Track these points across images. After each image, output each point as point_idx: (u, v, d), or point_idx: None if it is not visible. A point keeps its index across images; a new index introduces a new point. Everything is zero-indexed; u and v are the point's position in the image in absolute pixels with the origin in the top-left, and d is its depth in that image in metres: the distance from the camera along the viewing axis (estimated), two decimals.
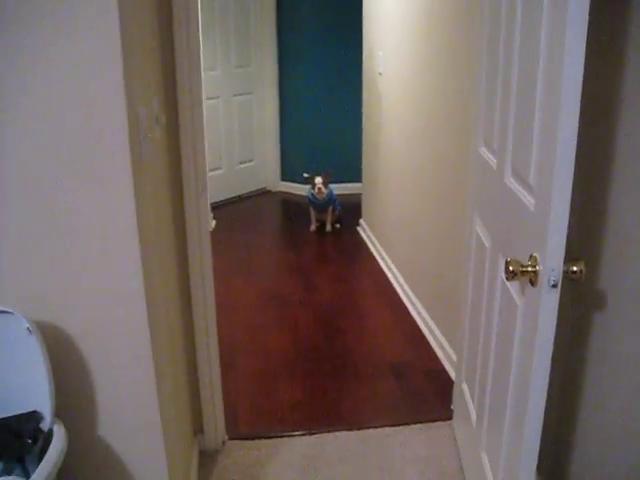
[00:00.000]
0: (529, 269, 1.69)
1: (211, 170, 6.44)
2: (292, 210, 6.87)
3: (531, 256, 1.71)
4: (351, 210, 6.45)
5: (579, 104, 1.54)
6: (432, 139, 3.92)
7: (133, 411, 1.88)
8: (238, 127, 7.11)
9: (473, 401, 2.61)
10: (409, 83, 4.38)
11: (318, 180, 5.87)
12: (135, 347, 1.82)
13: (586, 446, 2.23)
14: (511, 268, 1.72)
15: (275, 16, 7.13)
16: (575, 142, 1.56)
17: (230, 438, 3.04)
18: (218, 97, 6.77)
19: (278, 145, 7.47)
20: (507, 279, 1.75)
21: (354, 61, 6.34)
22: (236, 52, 6.95)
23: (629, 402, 1.95)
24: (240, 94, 7.09)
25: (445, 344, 3.68)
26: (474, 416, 2.57)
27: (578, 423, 2.26)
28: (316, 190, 5.87)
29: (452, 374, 3.48)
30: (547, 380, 1.78)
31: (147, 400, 1.89)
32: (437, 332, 3.85)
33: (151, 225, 1.91)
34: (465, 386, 2.80)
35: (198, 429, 2.92)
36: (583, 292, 2.13)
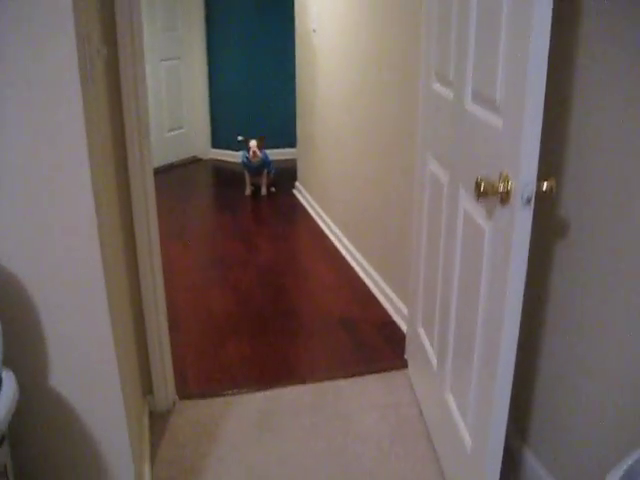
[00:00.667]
0: (501, 186, 1.63)
1: None
2: (225, 177, 6.72)
3: (502, 174, 1.66)
4: (286, 175, 6.36)
5: (550, 22, 1.50)
6: (371, 93, 3.85)
7: (89, 362, 1.76)
8: (166, 93, 6.90)
9: (432, 345, 2.57)
10: (345, 38, 4.29)
11: (252, 143, 5.75)
12: (90, 299, 1.71)
13: (549, 390, 2.22)
14: (482, 187, 1.67)
15: None
16: (547, 56, 1.53)
17: (181, 398, 2.91)
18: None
19: (208, 112, 7.29)
20: (477, 198, 1.69)
21: (285, 20, 6.24)
22: (162, 15, 6.74)
23: (593, 341, 1.94)
24: (167, 59, 6.86)
25: (394, 298, 3.63)
26: (434, 360, 2.53)
27: (541, 365, 2.25)
28: (250, 154, 5.75)
29: (403, 327, 3.44)
30: (520, 306, 1.74)
31: (104, 351, 1.78)
32: (385, 287, 3.79)
33: (101, 177, 1.78)
34: (422, 330, 2.76)
35: (147, 390, 2.78)
36: (545, 220, 2.09)
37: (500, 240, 1.75)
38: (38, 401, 1.75)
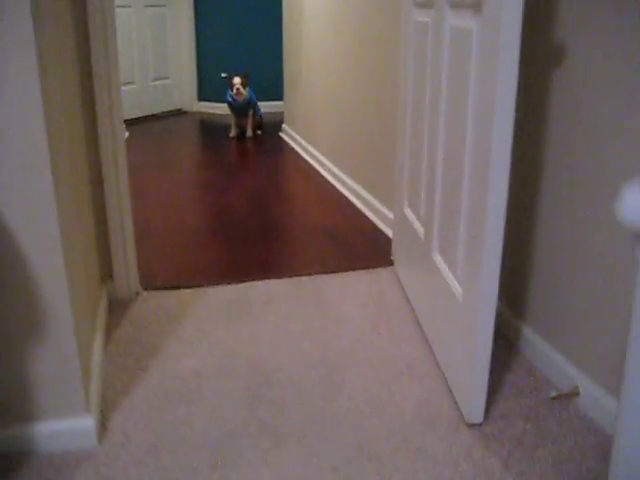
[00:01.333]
0: None
1: (124, 85, 5.96)
2: (211, 128, 6.45)
3: None
4: (274, 126, 6.12)
5: None
6: (356, 20, 3.60)
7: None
8: (151, 41, 6.67)
9: (419, 218, 2.38)
10: (334, 5, 4.05)
11: (236, 80, 5.52)
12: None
13: (546, 261, 2.04)
14: None
15: None
16: None
17: (146, 289, 2.63)
18: (130, 6, 6.30)
19: (194, 62, 7.05)
20: None
21: None
22: None
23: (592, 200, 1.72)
24: (153, 5, 6.62)
25: (380, 208, 3.46)
26: (421, 230, 2.32)
27: (537, 234, 2.07)
28: (234, 91, 5.49)
29: (389, 233, 3.23)
30: (511, 129, 1.56)
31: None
32: (371, 199, 3.63)
33: None
34: (408, 210, 2.53)
35: (107, 275, 2.52)
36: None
37: (487, 43, 1.57)
38: None
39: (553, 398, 1.92)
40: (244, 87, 5.52)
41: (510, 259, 2.20)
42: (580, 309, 1.87)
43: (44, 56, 1.52)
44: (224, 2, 6.71)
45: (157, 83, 6.83)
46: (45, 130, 1.48)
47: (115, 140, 2.43)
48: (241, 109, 5.58)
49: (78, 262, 1.86)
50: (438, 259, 2.08)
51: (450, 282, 1.92)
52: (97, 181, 2.45)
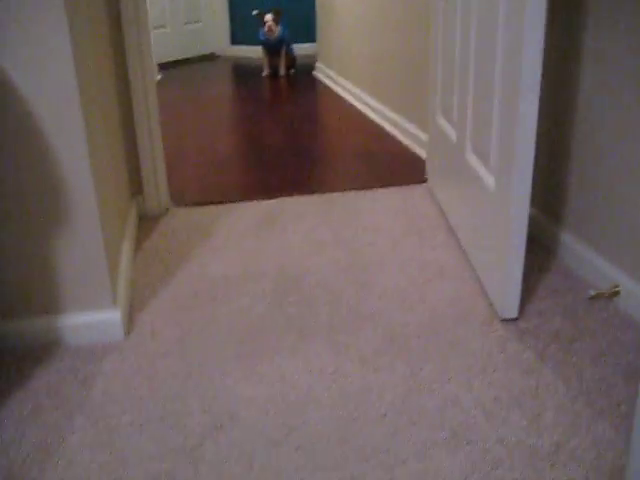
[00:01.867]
0: None
1: (155, 28, 5.91)
2: (244, 71, 6.33)
3: None
4: (307, 68, 5.99)
5: None
6: None
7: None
8: None
9: (451, 123, 2.30)
10: None
11: (268, 17, 5.41)
12: None
13: (583, 165, 1.94)
14: None
15: None
16: None
17: (176, 206, 2.60)
18: None
19: (226, 5, 6.92)
20: None
21: None
22: None
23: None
24: None
25: (413, 130, 3.38)
26: (454, 134, 2.25)
27: (573, 138, 1.97)
28: (266, 28, 5.39)
29: (422, 154, 3.15)
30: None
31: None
32: (403, 123, 3.55)
33: None
34: (441, 118, 2.45)
35: (137, 191, 2.49)
36: None
37: None
38: None
39: (592, 297, 1.85)
40: (276, 24, 5.40)
41: (544, 164, 2.12)
42: (619, 209, 1.79)
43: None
44: None
45: (189, 27, 6.75)
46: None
47: (142, 57, 2.38)
48: (273, 47, 5.49)
49: (104, 160, 1.84)
50: (471, 157, 2.01)
51: (483, 176, 1.86)
52: (126, 102, 2.42)
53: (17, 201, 1.56)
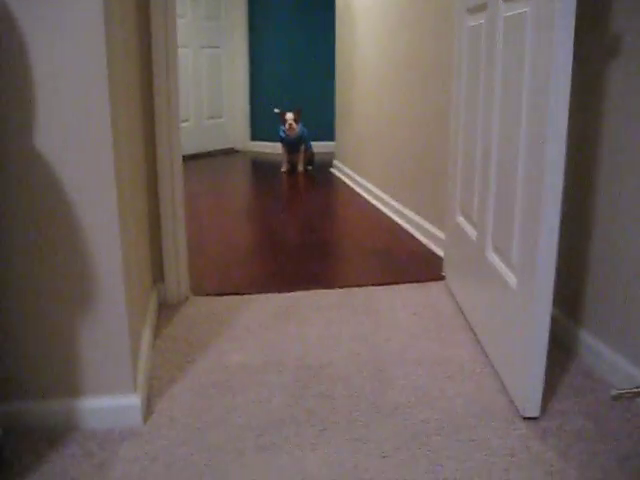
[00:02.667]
0: None
1: None
2: (263, 166, 6.46)
3: None
4: (325, 165, 6.15)
5: None
6: (406, 50, 3.69)
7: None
8: (207, 80, 6.83)
9: (472, 222, 2.34)
10: (386, 13, 4.12)
11: (289, 116, 5.57)
12: None
13: (603, 262, 1.97)
14: None
15: None
16: None
17: (195, 295, 2.63)
18: (187, 47, 6.46)
19: (248, 103, 7.18)
20: None
21: (328, 18, 6.18)
22: (206, 2, 6.72)
23: None
24: (209, 47, 6.81)
25: (430, 228, 3.44)
26: (474, 234, 2.28)
27: (593, 237, 2.01)
28: (287, 126, 5.56)
29: (439, 252, 3.19)
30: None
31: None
32: (420, 221, 3.61)
33: None
34: (460, 218, 2.49)
35: (158, 278, 2.53)
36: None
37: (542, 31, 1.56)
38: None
39: (614, 397, 1.83)
40: (296, 122, 5.55)
41: (565, 264, 2.14)
42: (638, 307, 1.80)
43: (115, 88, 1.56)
44: (277, 44, 6.84)
45: (211, 121, 6.95)
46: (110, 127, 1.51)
47: (171, 149, 2.47)
48: (293, 144, 5.64)
49: (132, 249, 1.87)
50: (492, 256, 2.03)
51: (504, 274, 1.88)
52: (153, 191, 2.49)
53: (45, 281, 1.59)
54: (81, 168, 1.54)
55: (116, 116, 1.61)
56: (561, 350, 2.13)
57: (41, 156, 1.52)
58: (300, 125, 5.58)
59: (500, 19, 1.94)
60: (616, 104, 1.88)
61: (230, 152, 7.11)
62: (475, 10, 2.25)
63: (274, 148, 6.80)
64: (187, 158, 5.97)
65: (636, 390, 1.74)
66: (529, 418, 1.73)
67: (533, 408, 1.72)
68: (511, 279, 1.82)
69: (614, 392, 1.76)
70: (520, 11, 1.74)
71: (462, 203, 2.46)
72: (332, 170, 5.83)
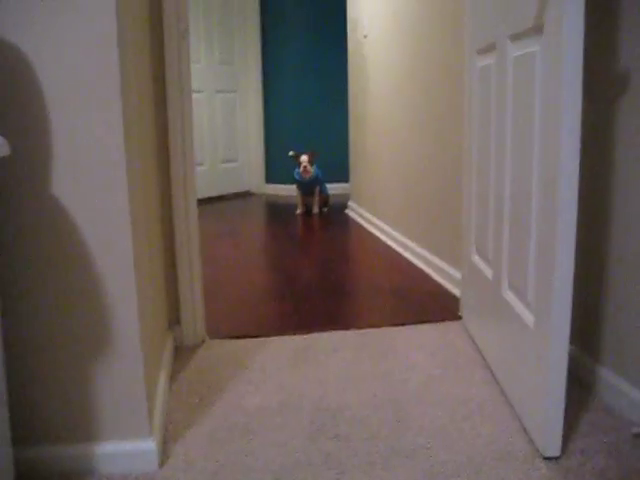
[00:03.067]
0: None
1: None
2: (278, 208, 6.49)
3: None
4: (339, 207, 6.17)
5: None
6: (420, 92, 3.75)
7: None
8: (221, 125, 6.91)
9: (487, 260, 2.34)
10: (394, 42, 4.25)
11: (304, 158, 5.62)
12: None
13: (617, 307, 1.96)
14: None
15: (259, 13, 7.06)
16: None
17: (211, 338, 2.64)
18: (202, 91, 6.57)
19: (262, 146, 7.24)
20: None
21: (341, 61, 6.26)
22: (219, 47, 6.84)
23: None
24: (223, 91, 6.91)
25: (446, 267, 3.43)
26: (490, 273, 2.28)
27: (608, 275, 2.01)
28: (302, 169, 5.60)
29: (455, 292, 3.18)
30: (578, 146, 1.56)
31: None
32: (436, 261, 3.61)
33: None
34: (476, 257, 2.48)
35: (175, 321, 2.54)
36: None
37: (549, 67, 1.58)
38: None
39: (636, 435, 1.81)
40: (311, 165, 5.59)
41: (581, 299, 2.13)
42: None
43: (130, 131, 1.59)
44: (291, 86, 6.93)
45: (226, 165, 7.01)
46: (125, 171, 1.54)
47: (186, 191, 2.50)
48: (308, 187, 5.67)
49: (148, 292, 1.88)
50: (508, 295, 2.02)
51: (521, 313, 1.87)
52: (169, 234, 2.52)
53: (61, 328, 1.59)
54: (96, 213, 1.55)
55: (131, 160, 1.64)
56: (579, 387, 2.11)
57: (56, 202, 1.53)
58: (315, 167, 5.62)
59: (509, 59, 1.96)
60: (627, 140, 1.88)
61: (245, 195, 7.16)
62: (484, 51, 2.28)
63: (289, 190, 6.84)
64: (202, 202, 6.01)
65: None
66: (550, 458, 1.71)
67: (553, 448, 1.70)
68: (528, 318, 1.81)
69: (636, 430, 1.74)
70: (529, 50, 1.76)
71: (477, 242, 2.46)
72: (347, 211, 5.84)
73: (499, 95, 2.08)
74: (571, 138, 1.55)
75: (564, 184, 1.56)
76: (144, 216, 1.91)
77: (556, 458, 1.71)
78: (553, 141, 1.59)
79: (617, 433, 1.84)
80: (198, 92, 6.46)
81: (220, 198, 6.86)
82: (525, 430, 1.84)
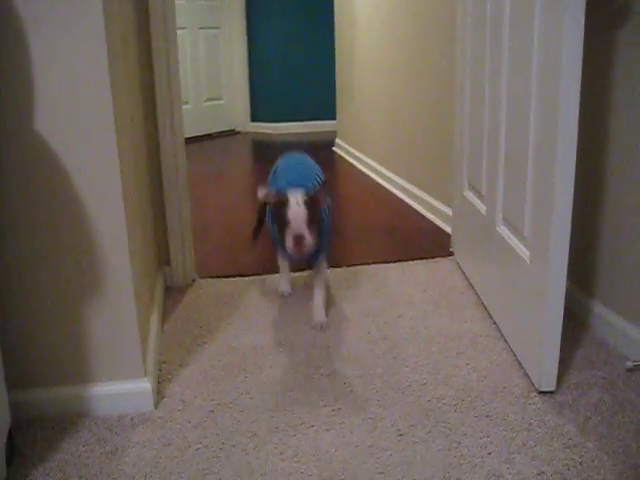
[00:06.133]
0: None
1: None
2: (264, 148, 6.40)
3: None
4: (327, 146, 6.06)
5: None
6: (406, 29, 3.59)
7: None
8: (205, 62, 6.76)
9: (480, 196, 2.31)
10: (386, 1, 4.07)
11: (296, 215, 1.93)
12: None
13: (613, 243, 1.95)
14: None
15: None
16: None
17: (202, 277, 2.61)
18: (184, 28, 6.38)
19: (247, 84, 7.11)
20: None
21: None
22: None
23: None
24: (207, 27, 6.72)
25: (437, 205, 3.41)
26: (484, 208, 2.25)
27: (604, 210, 1.98)
28: (290, 243, 1.88)
29: (446, 228, 3.16)
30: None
31: None
32: (427, 198, 3.58)
33: None
34: (468, 192, 2.44)
35: (164, 262, 2.50)
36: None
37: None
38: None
39: (629, 369, 1.81)
40: (314, 223, 1.96)
41: (577, 237, 2.11)
42: None
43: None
44: (276, 23, 6.77)
45: (210, 103, 6.89)
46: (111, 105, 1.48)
47: (174, 130, 2.45)
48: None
49: (138, 230, 1.84)
50: (502, 229, 2.00)
51: (516, 248, 1.85)
52: (157, 174, 2.48)
53: (52, 268, 1.56)
54: (84, 153, 1.51)
55: (118, 100, 1.58)
56: (574, 323, 2.11)
57: (43, 140, 1.48)
58: (325, 209, 2.41)
59: None
60: (626, 71, 1.83)
61: (231, 133, 7.06)
62: None
63: (275, 129, 6.75)
64: (188, 141, 5.93)
65: None
66: (545, 392, 1.71)
67: (549, 382, 1.70)
68: (523, 252, 1.79)
69: (629, 364, 1.74)
70: None
71: (470, 177, 2.43)
72: (335, 149, 5.77)
73: (495, 21, 2.02)
74: (572, 65, 1.50)
75: (565, 112, 1.52)
76: (132, 155, 1.86)
77: (551, 392, 1.72)
78: (553, 68, 1.54)
79: (611, 367, 1.85)
80: (181, 29, 6.29)
81: (205, 137, 6.77)
82: (520, 365, 1.85)
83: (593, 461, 1.44)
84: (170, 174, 2.46)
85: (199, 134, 6.66)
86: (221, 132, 7.00)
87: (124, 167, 1.60)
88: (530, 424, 1.59)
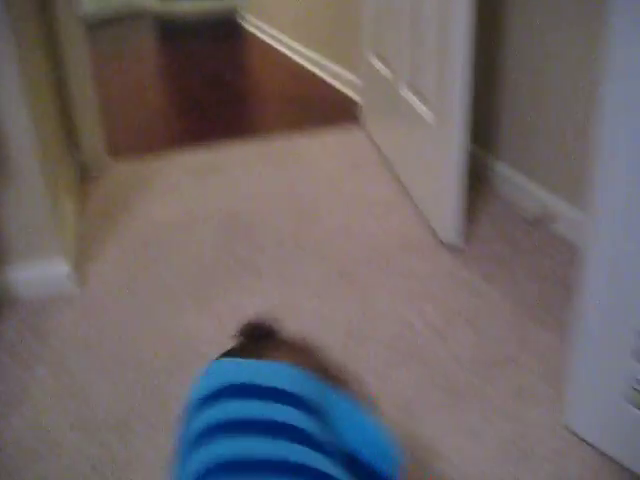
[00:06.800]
0: None
1: None
2: (172, 27, 6.15)
3: None
4: (232, 19, 5.89)
5: None
6: None
7: None
8: None
9: (387, 63, 2.33)
10: None
11: None
12: None
13: (515, 105, 1.99)
14: None
15: None
16: None
17: (114, 159, 2.58)
18: None
19: None
20: None
21: None
22: None
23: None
24: None
25: (345, 73, 3.40)
26: (389, 73, 2.29)
27: (503, 73, 2.01)
28: None
29: (354, 97, 3.18)
30: None
31: None
32: (333, 67, 3.58)
33: None
34: (374, 60, 2.45)
35: (74, 145, 2.45)
36: None
37: None
38: None
39: (528, 223, 1.92)
40: None
41: (482, 102, 2.17)
42: (551, 136, 1.86)
43: None
44: None
45: None
46: None
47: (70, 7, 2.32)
48: None
49: (42, 112, 1.80)
50: (408, 95, 2.04)
51: (421, 111, 1.90)
52: (55, 56, 2.33)
53: None
54: None
55: None
56: (479, 183, 2.21)
57: None
58: None
59: None
60: None
61: (139, 14, 6.71)
62: None
63: (182, 7, 6.47)
64: (89, 27, 5.63)
65: (548, 215, 1.84)
66: (452, 247, 1.81)
67: (455, 236, 1.80)
68: (428, 115, 1.84)
69: (528, 218, 1.85)
70: None
71: (376, 44, 2.43)
72: (241, 22, 5.61)
73: None
74: None
75: None
76: (29, 41, 1.78)
77: (458, 247, 1.81)
78: None
79: (512, 222, 1.96)
80: None
81: (108, 20, 6.41)
82: (429, 224, 1.94)
83: (496, 305, 1.57)
84: (70, 55, 2.37)
85: (99, 15, 6.29)
86: (128, 13, 6.62)
87: (21, 47, 1.54)
88: (439, 277, 1.69)
